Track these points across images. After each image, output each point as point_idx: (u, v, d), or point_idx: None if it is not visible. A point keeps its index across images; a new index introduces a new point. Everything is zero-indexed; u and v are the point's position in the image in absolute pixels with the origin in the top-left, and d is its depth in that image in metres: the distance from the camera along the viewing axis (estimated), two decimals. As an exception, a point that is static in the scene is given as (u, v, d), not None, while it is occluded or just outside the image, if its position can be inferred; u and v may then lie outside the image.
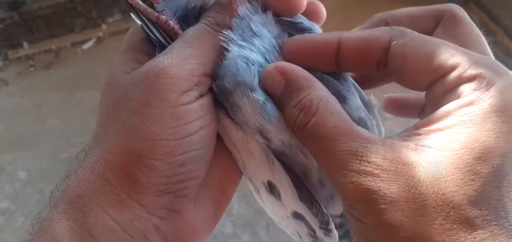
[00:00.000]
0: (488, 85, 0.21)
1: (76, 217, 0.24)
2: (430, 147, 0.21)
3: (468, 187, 0.20)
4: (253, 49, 0.27)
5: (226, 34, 0.27)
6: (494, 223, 0.19)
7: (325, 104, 0.24)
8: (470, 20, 0.29)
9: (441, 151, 0.21)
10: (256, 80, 0.26)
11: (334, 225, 0.29)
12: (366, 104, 0.30)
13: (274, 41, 0.28)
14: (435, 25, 0.29)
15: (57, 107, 1.64)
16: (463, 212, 0.19)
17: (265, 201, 0.30)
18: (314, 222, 0.28)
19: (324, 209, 0.28)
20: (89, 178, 0.25)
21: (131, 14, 0.28)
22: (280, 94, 0.26)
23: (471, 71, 0.22)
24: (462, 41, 0.27)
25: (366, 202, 0.21)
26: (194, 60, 0.26)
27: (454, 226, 0.19)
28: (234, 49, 0.27)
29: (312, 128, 0.24)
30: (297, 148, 0.27)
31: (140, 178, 0.25)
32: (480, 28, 0.29)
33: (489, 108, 0.21)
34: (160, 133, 0.24)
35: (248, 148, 0.28)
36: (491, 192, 0.19)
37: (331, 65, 0.27)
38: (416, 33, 0.25)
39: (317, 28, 0.30)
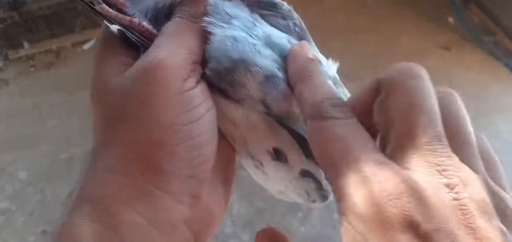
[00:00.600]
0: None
1: (102, 219, 0.25)
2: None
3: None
4: (235, 28, 0.29)
5: (206, 20, 0.28)
6: None
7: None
8: (411, 83, 0.23)
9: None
10: (250, 54, 0.28)
11: None
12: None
13: (250, 18, 0.30)
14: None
15: (58, 107, 1.64)
16: None
17: (269, 172, 0.31)
18: (320, 174, 0.30)
19: None
20: (112, 179, 0.25)
21: (104, 22, 0.29)
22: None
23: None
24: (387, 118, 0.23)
25: None
26: (183, 50, 0.27)
27: None
28: (218, 32, 0.28)
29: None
30: (295, 116, 0.29)
31: (165, 166, 0.26)
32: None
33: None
34: (175, 119, 0.26)
35: (250, 121, 0.29)
36: None
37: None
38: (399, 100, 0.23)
39: (279, 1, 0.32)
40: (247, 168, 0.33)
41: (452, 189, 0.20)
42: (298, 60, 0.28)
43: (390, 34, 1.85)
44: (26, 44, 1.89)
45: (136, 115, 0.26)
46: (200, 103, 0.27)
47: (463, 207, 0.19)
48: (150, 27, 0.29)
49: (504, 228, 0.19)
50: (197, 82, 0.28)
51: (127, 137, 0.26)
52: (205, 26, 0.28)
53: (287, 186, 0.32)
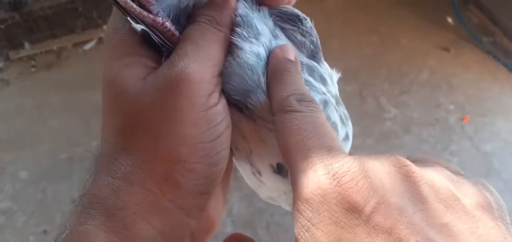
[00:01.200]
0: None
1: (117, 230, 0.24)
2: None
3: None
4: (260, 45, 0.29)
5: (237, 32, 0.28)
6: None
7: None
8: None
9: None
10: (263, 79, 0.28)
11: None
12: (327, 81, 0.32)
13: (271, 34, 0.30)
14: None
15: (58, 107, 1.64)
16: None
17: (266, 181, 0.32)
18: None
19: None
20: (128, 189, 0.25)
21: (128, 18, 0.27)
22: None
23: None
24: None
25: None
26: (210, 62, 0.27)
27: None
28: (246, 47, 0.28)
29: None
30: None
31: (183, 183, 0.25)
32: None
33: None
34: (197, 137, 0.25)
35: (260, 137, 0.29)
36: None
37: None
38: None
39: (302, 14, 0.32)
40: (241, 172, 0.33)
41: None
42: (275, 60, 0.28)
43: (390, 35, 1.85)
44: (27, 45, 1.89)
45: (159, 128, 0.25)
46: (221, 120, 0.27)
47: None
48: (172, 28, 0.27)
49: None
50: (220, 97, 0.27)
51: (148, 149, 0.25)
52: (234, 40, 0.28)
53: (281, 195, 0.33)
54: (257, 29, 0.29)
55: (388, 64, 1.70)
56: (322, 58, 0.32)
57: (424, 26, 1.89)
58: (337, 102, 0.32)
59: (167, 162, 0.25)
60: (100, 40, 1.92)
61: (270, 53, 0.29)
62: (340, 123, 0.31)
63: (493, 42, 1.80)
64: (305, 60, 0.31)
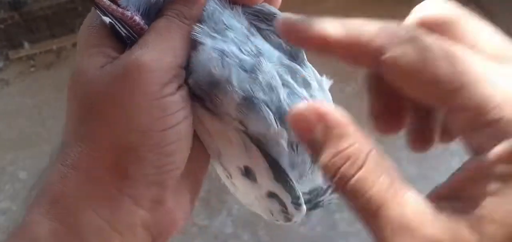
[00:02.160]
0: None
1: (61, 218, 0.24)
2: (485, 218, 0.18)
3: None
4: (226, 41, 0.28)
5: (198, 27, 0.28)
6: None
7: (374, 157, 0.20)
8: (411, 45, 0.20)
9: (497, 225, 0.17)
10: (234, 74, 0.27)
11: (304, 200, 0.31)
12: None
13: (246, 32, 0.29)
14: (376, 64, 0.22)
15: (58, 107, 1.63)
16: None
17: (238, 185, 0.32)
18: (286, 198, 0.30)
19: (295, 185, 0.30)
20: (75, 177, 0.25)
21: (97, 11, 0.28)
22: (313, 137, 0.21)
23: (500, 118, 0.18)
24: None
25: None
26: (170, 53, 0.26)
27: None
28: (207, 42, 0.28)
29: (358, 183, 0.20)
30: (270, 138, 0.29)
31: (132, 171, 0.25)
32: None
33: None
34: (148, 125, 0.25)
35: (226, 136, 0.29)
36: None
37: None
38: (415, 39, 0.20)
39: (278, 11, 0.31)
40: (219, 174, 0.33)
41: None
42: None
43: (390, 35, 1.85)
44: (26, 44, 1.89)
45: (109, 114, 0.25)
46: (177, 110, 0.26)
47: None
48: (142, 22, 0.28)
49: None
50: (178, 88, 0.27)
51: (97, 135, 0.25)
52: (196, 35, 0.28)
53: (253, 201, 0.33)
54: (225, 25, 0.28)
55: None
56: (306, 60, 0.31)
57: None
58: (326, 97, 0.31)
59: (115, 149, 0.25)
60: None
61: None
62: None
63: (494, 42, 1.80)
64: (286, 61, 0.30)
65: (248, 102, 0.27)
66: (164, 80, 0.26)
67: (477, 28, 0.22)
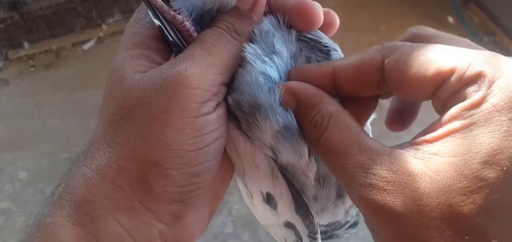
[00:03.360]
0: (490, 83, 0.20)
1: (84, 223, 0.24)
2: (436, 154, 0.20)
3: (476, 195, 0.18)
4: (272, 66, 0.27)
5: (250, 47, 0.27)
6: (509, 230, 0.18)
7: (334, 119, 0.24)
8: (431, 31, 0.27)
9: (446, 157, 0.20)
10: (277, 102, 0.26)
11: (320, 232, 0.30)
12: None
13: (290, 60, 0.28)
14: (378, 87, 0.26)
15: (58, 107, 1.64)
16: (473, 223, 0.18)
17: (257, 207, 0.31)
18: (303, 231, 0.29)
19: (315, 220, 0.29)
20: (100, 183, 0.24)
21: (149, 12, 0.27)
22: (294, 112, 0.26)
23: (470, 72, 0.21)
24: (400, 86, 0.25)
25: (376, 216, 0.21)
26: (214, 70, 0.26)
27: (466, 238, 0.18)
28: (257, 64, 0.26)
29: (324, 143, 0.24)
30: (299, 170, 0.28)
31: (155, 187, 0.24)
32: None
33: (493, 108, 0.20)
34: (179, 143, 0.24)
35: (254, 160, 0.28)
36: (503, 198, 0.18)
37: (331, 91, 0.27)
38: (407, 44, 0.24)
39: (333, 44, 0.30)
40: (240, 189, 0.32)
41: None
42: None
43: (391, 34, 1.85)
44: (26, 44, 1.89)
45: (142, 125, 0.24)
46: (211, 130, 0.25)
47: None
48: (191, 28, 0.27)
49: None
50: (217, 106, 0.26)
51: (127, 144, 0.25)
52: (246, 56, 0.26)
53: (270, 226, 0.32)
54: (274, 48, 0.27)
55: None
56: None
57: (424, 25, 1.88)
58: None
59: (142, 161, 0.24)
60: (99, 40, 1.91)
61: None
62: None
63: (494, 42, 1.80)
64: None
65: (286, 132, 0.26)
66: (203, 99, 0.25)
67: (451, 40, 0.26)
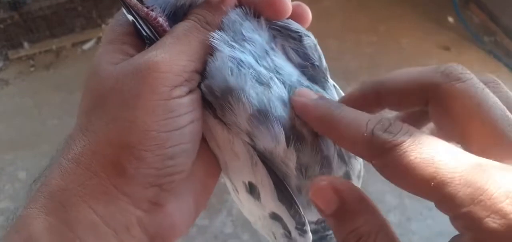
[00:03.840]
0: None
1: (57, 212, 0.24)
2: None
3: None
4: (244, 51, 0.28)
5: (217, 34, 0.27)
6: None
7: (383, 237, 0.23)
8: (470, 84, 0.23)
9: None
10: (249, 84, 0.27)
11: (311, 230, 0.29)
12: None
13: (266, 46, 0.28)
14: (425, 103, 0.25)
15: (57, 107, 1.64)
16: None
17: (243, 201, 0.31)
18: (290, 223, 0.29)
19: (301, 210, 0.29)
20: (74, 171, 0.25)
21: (122, 8, 0.28)
22: (332, 214, 0.24)
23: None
24: (460, 123, 0.23)
25: None
26: (185, 57, 0.26)
27: None
28: (225, 50, 0.27)
29: None
30: (278, 157, 0.28)
31: (129, 169, 0.25)
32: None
33: None
34: (151, 124, 0.25)
35: (233, 148, 0.28)
36: None
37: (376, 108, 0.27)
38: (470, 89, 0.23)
39: (305, 31, 0.30)
40: (228, 187, 0.32)
41: None
42: (313, 110, 0.26)
43: (390, 35, 1.85)
44: (26, 44, 1.89)
45: (115, 110, 0.25)
46: (184, 113, 0.26)
47: None
48: (165, 23, 0.28)
49: None
50: (189, 92, 0.26)
51: (100, 130, 0.25)
52: (212, 42, 0.27)
53: (257, 220, 0.32)
54: (243, 35, 0.28)
55: (388, 64, 1.69)
56: (329, 83, 0.30)
57: (424, 26, 1.89)
58: None
59: (116, 146, 0.24)
60: (99, 39, 1.91)
61: (297, 106, 0.27)
62: (336, 159, 0.29)
63: (494, 42, 1.80)
64: (306, 83, 0.29)
65: (261, 115, 0.26)
66: (174, 83, 0.25)
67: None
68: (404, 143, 0.21)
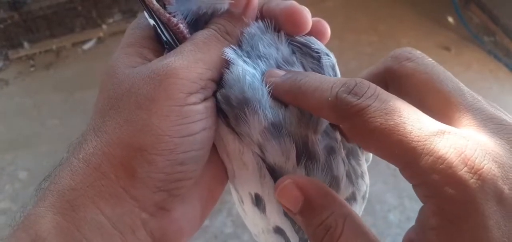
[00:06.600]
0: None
1: (65, 212, 0.24)
2: None
3: None
4: (256, 68, 0.28)
5: (231, 48, 0.27)
6: None
7: (350, 224, 0.23)
8: (420, 62, 0.25)
9: None
10: (266, 97, 0.27)
11: None
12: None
13: (281, 62, 0.28)
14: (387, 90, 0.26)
15: (58, 107, 1.64)
16: None
17: (247, 212, 0.31)
18: (294, 238, 0.29)
19: None
20: (84, 171, 0.25)
21: (144, 12, 0.28)
22: (299, 212, 0.25)
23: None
24: (417, 98, 0.24)
25: None
26: (202, 65, 0.26)
27: None
28: (239, 63, 0.27)
29: None
30: (287, 174, 0.28)
31: (139, 172, 0.25)
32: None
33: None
34: (164, 129, 0.25)
35: (242, 158, 0.28)
36: None
37: None
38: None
39: (325, 50, 0.30)
40: (233, 197, 0.32)
41: None
42: (282, 84, 0.27)
43: (390, 34, 1.85)
44: (26, 44, 1.89)
45: (129, 113, 0.25)
46: (197, 120, 0.26)
47: None
48: (185, 30, 0.28)
49: None
50: (204, 99, 0.26)
51: (112, 132, 0.25)
52: (226, 55, 0.27)
53: (260, 233, 0.31)
54: (259, 51, 0.28)
55: (389, 64, 1.69)
56: None
57: (424, 25, 1.89)
58: (349, 154, 0.29)
59: (127, 147, 0.24)
60: (99, 39, 1.91)
61: (266, 84, 0.27)
62: (344, 179, 0.28)
63: (494, 42, 1.80)
64: None
65: (274, 129, 0.26)
66: (190, 90, 0.25)
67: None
68: (369, 107, 0.22)
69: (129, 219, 0.25)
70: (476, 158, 0.20)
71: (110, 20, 1.93)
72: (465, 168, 0.20)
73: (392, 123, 0.21)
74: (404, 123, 0.21)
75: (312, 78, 0.26)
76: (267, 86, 0.27)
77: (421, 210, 0.22)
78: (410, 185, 0.22)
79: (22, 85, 1.78)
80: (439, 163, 0.20)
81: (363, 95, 0.22)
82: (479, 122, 0.22)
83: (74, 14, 1.89)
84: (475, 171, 0.19)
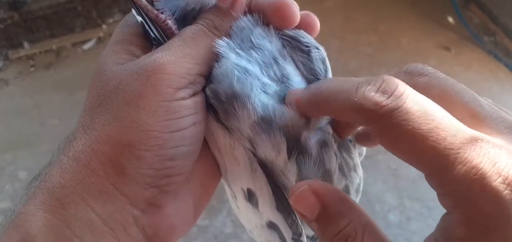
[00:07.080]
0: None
1: (55, 209, 0.24)
2: None
3: None
4: (250, 60, 0.27)
5: (223, 41, 0.27)
6: None
7: (369, 233, 0.22)
8: (432, 76, 0.24)
9: None
10: (255, 92, 0.26)
11: None
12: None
13: (276, 53, 0.28)
14: None
15: (58, 107, 1.64)
16: None
17: (241, 208, 0.31)
18: (287, 233, 0.29)
19: (298, 220, 0.28)
20: (74, 168, 0.25)
21: (132, 10, 0.28)
22: (315, 220, 0.24)
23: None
24: None
25: None
26: (190, 60, 0.26)
27: None
28: (230, 57, 0.27)
29: None
30: (278, 168, 0.27)
31: (129, 168, 0.25)
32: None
33: None
34: (153, 125, 0.24)
35: (233, 153, 0.28)
36: None
37: None
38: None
39: (315, 43, 0.29)
40: (227, 193, 0.32)
41: None
42: (304, 98, 0.26)
43: (390, 34, 1.85)
44: (26, 44, 1.89)
45: (117, 110, 0.25)
46: (186, 115, 0.26)
47: None
48: (173, 26, 0.28)
49: None
50: (193, 95, 0.26)
51: (101, 129, 0.25)
52: (218, 49, 0.27)
53: (254, 229, 0.31)
54: (251, 43, 0.28)
55: (388, 64, 1.69)
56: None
57: (424, 26, 1.89)
58: (341, 147, 0.29)
59: (116, 144, 0.24)
60: (99, 39, 1.91)
61: (291, 101, 0.27)
62: (337, 173, 0.28)
63: (494, 42, 1.80)
64: None
65: (264, 123, 0.26)
66: (178, 85, 0.25)
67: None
68: (400, 109, 0.20)
69: (120, 216, 0.25)
70: (510, 169, 0.19)
71: (110, 20, 1.93)
72: (499, 179, 0.19)
73: (425, 128, 0.20)
74: (438, 127, 0.20)
75: (333, 82, 0.25)
76: (290, 106, 0.26)
77: (445, 219, 0.21)
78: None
79: (22, 85, 1.78)
80: (473, 173, 0.19)
81: (392, 94, 0.21)
82: (502, 130, 0.21)
83: (74, 14, 1.89)
84: (509, 182, 0.19)
